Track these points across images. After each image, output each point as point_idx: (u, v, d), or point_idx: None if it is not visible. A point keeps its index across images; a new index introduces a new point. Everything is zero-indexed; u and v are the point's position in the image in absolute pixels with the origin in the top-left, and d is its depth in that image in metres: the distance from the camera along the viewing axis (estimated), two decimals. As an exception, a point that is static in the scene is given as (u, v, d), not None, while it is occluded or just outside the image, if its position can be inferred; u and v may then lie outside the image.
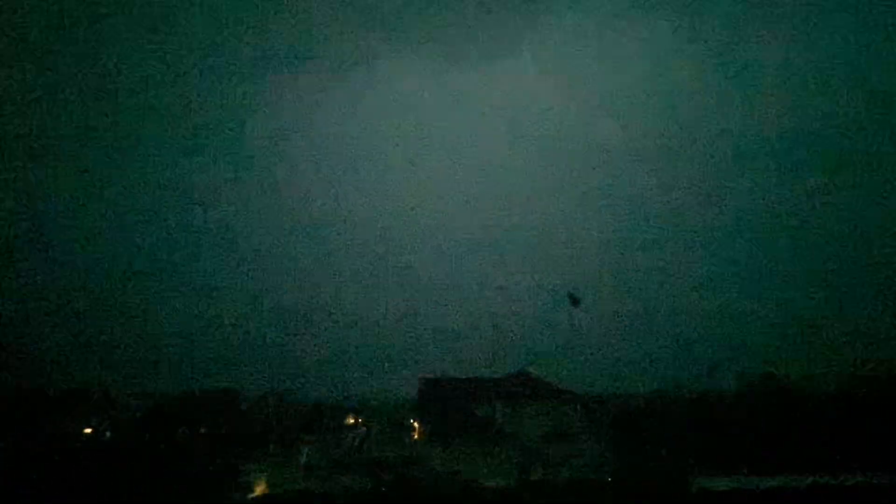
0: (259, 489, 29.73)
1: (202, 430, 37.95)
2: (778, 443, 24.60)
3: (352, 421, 56.52)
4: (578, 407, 42.04)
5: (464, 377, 47.55)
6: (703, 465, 24.00)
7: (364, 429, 53.07)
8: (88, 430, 40.35)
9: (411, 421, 50.92)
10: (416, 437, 47.98)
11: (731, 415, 29.28)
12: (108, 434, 40.34)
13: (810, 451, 23.07)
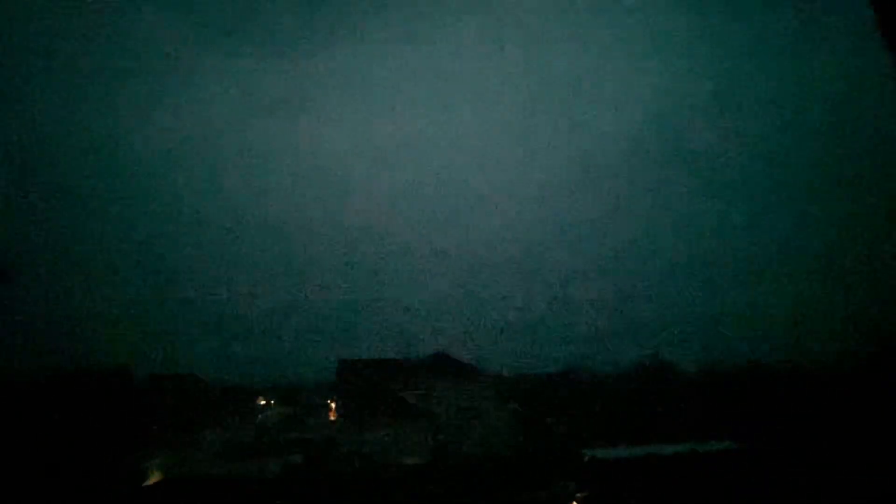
0: (154, 476, 28.36)
1: (88, 412, 34.26)
2: (658, 415, 27.91)
3: (263, 402, 55.11)
4: (491, 386, 44.15)
5: (381, 358, 48.06)
6: (596, 437, 26.52)
7: (277, 410, 52.08)
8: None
9: (328, 402, 50.76)
10: (332, 417, 47.98)
11: (622, 392, 32.53)
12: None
13: (684, 422, 26.46)
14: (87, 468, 26.51)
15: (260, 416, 52.55)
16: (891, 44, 2.79)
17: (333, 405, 48.42)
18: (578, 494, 21.46)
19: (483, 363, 47.25)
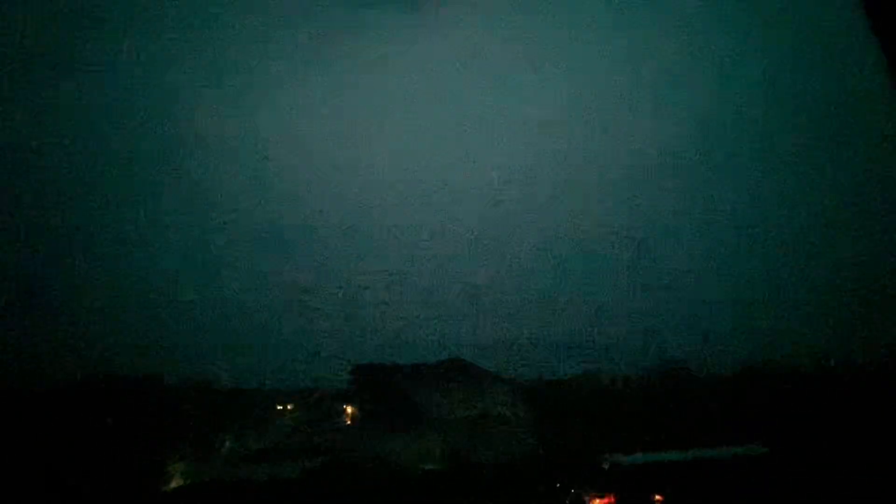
0: (175, 480, 28.70)
1: (109, 419, 34.77)
2: (676, 419, 27.31)
3: (280, 408, 55.40)
4: (508, 391, 43.80)
5: (397, 363, 47.98)
6: (616, 443, 26.04)
7: (294, 416, 52.34)
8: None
9: (343, 407, 50.84)
10: (348, 423, 48.03)
11: (638, 396, 31.95)
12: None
13: (703, 427, 25.82)
14: (108, 473, 26.85)
15: (277, 421, 52.80)
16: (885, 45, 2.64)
17: (349, 410, 48.47)
18: (598, 501, 21.04)
19: (499, 368, 46.89)
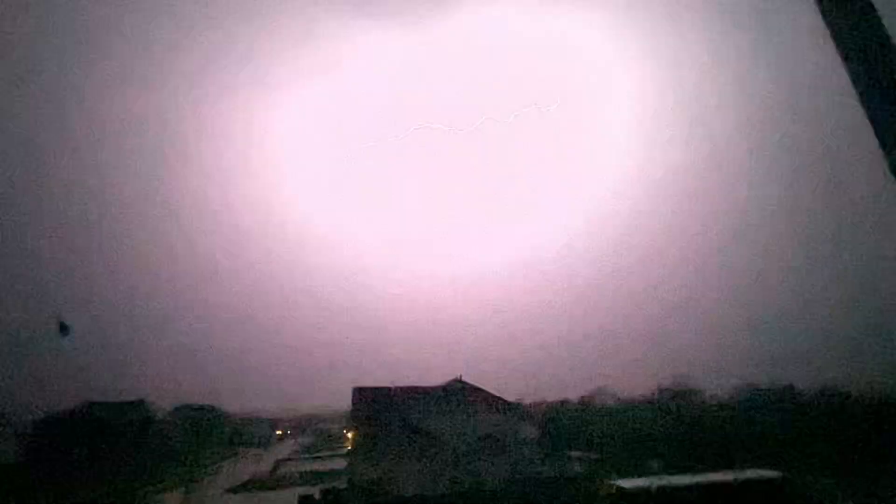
0: None
1: (103, 446, 34.08)
2: (685, 443, 26.70)
3: (280, 433, 54.60)
4: (512, 414, 43.04)
5: (398, 387, 47.43)
6: (622, 466, 25.43)
7: (293, 441, 51.49)
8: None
9: (343, 431, 50.06)
10: (349, 448, 47.13)
11: (646, 419, 31.34)
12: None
13: (712, 450, 25.22)
14: (104, 501, 26.33)
15: (277, 447, 51.94)
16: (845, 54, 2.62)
17: (349, 435, 47.67)
18: (606, 527, 20.38)
19: (503, 390, 46.26)
